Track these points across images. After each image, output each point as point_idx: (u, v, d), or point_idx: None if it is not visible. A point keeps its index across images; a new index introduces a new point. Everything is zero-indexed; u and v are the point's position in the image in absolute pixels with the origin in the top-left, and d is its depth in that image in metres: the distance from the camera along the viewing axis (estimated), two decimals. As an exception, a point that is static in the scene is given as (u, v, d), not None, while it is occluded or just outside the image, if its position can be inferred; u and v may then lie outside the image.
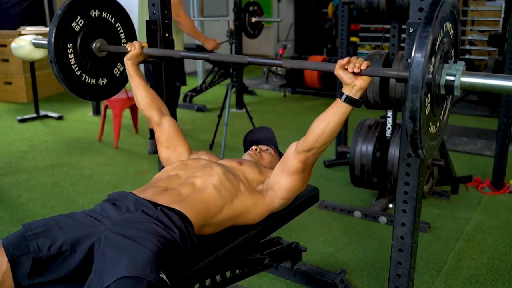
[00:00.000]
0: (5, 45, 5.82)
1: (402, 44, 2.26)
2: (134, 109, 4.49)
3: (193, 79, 7.64)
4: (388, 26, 3.10)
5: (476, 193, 3.20)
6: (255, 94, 6.79)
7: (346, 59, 1.33)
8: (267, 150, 1.83)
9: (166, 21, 1.91)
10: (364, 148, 2.78)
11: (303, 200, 1.79)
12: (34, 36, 5.01)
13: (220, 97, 5.03)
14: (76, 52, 1.82)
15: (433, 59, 1.10)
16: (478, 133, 4.61)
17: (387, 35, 4.56)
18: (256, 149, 1.81)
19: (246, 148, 1.93)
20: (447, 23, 1.18)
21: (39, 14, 8.23)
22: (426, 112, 1.12)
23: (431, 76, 1.11)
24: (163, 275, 1.16)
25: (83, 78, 1.86)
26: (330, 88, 6.06)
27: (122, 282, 1.10)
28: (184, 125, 4.95)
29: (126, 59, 1.80)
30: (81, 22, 1.82)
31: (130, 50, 1.79)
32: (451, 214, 2.88)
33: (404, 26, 2.23)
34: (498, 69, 4.77)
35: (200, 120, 5.28)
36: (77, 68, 1.84)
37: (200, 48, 6.03)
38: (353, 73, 1.32)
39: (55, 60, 1.74)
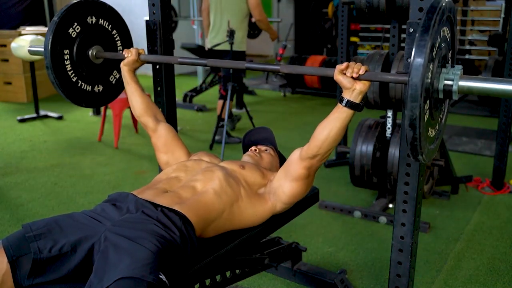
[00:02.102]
0: (5, 45, 5.82)
1: (402, 44, 2.26)
2: (134, 109, 4.48)
3: (193, 79, 7.65)
4: (388, 26, 3.10)
5: (476, 193, 3.20)
6: (255, 94, 6.80)
7: (344, 64, 1.33)
8: (266, 150, 1.83)
9: (166, 21, 1.91)
10: (364, 148, 2.78)
11: (303, 200, 1.79)
12: (33, 37, 5.02)
13: (220, 97, 5.02)
14: (73, 58, 1.82)
15: (431, 65, 1.11)
16: (478, 133, 4.61)
17: (387, 35, 4.56)
18: (255, 150, 1.81)
19: (245, 149, 1.92)
20: (444, 28, 1.18)
21: (39, 14, 8.23)
22: (425, 119, 1.13)
23: (429, 81, 1.11)
24: (162, 276, 1.16)
25: (79, 85, 1.86)
26: (330, 88, 6.07)
27: (121, 283, 1.10)
28: (184, 125, 4.95)
29: (122, 64, 1.81)
30: (78, 29, 1.81)
31: (127, 57, 1.79)
32: (451, 214, 2.88)
33: (404, 26, 2.24)
34: (498, 69, 4.77)
35: (200, 120, 5.28)
36: (73, 74, 1.83)
37: (200, 49, 6.03)
38: (352, 77, 1.32)
39: (51, 66, 1.74)
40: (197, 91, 6.12)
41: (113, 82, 2.00)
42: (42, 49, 1.77)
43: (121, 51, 1.98)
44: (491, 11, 6.98)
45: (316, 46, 9.52)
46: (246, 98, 5.96)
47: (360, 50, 7.73)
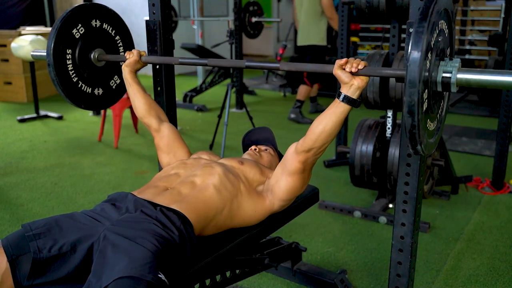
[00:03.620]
0: (5, 45, 5.83)
1: (402, 44, 2.26)
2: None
3: (193, 79, 7.65)
4: (388, 26, 3.10)
5: (476, 193, 3.20)
6: (255, 94, 6.80)
7: (344, 60, 1.35)
8: (266, 150, 1.83)
9: (166, 21, 1.91)
10: (364, 148, 2.78)
11: (303, 200, 1.79)
12: (33, 37, 5.02)
13: (220, 97, 5.03)
14: (75, 58, 1.82)
15: (429, 55, 1.12)
16: (478, 133, 4.61)
17: (387, 35, 4.56)
18: (255, 149, 1.81)
19: (245, 148, 1.93)
20: (442, 21, 1.19)
21: (39, 14, 8.23)
22: (424, 107, 1.13)
23: (427, 73, 1.12)
24: (161, 275, 1.16)
25: (79, 85, 1.86)
26: (330, 88, 6.07)
27: (120, 282, 1.10)
28: (184, 125, 4.95)
29: (124, 66, 1.81)
30: (81, 30, 1.82)
31: (129, 58, 1.80)
32: (451, 214, 2.88)
33: (404, 26, 2.24)
34: (498, 69, 4.77)
35: (200, 120, 5.28)
36: (74, 74, 1.83)
37: (200, 49, 6.03)
38: (351, 73, 1.34)
39: (53, 63, 1.74)
40: (197, 91, 6.12)
41: (114, 87, 2.00)
42: (45, 53, 1.78)
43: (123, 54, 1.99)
44: (491, 11, 6.98)
45: (316, 46, 9.49)
46: (246, 98, 5.97)
47: (360, 50, 7.73)
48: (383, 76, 1.36)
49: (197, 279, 1.46)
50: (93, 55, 1.87)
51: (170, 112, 2.00)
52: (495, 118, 3.99)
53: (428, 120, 1.20)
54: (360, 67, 1.33)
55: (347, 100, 1.35)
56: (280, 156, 1.87)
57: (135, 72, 1.83)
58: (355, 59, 1.35)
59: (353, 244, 2.53)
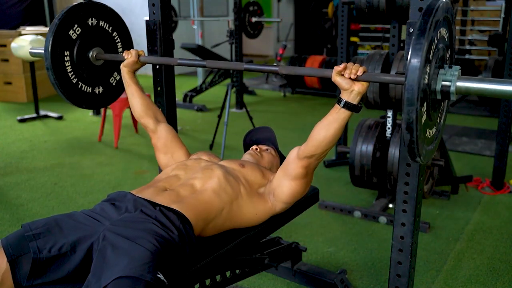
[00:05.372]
0: (5, 45, 5.83)
1: (402, 44, 2.26)
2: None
3: (193, 79, 7.65)
4: (388, 26, 3.11)
5: (476, 193, 3.20)
6: (255, 94, 6.80)
7: (342, 65, 1.32)
8: (267, 150, 1.83)
9: (166, 21, 1.91)
10: (364, 148, 2.78)
11: (303, 200, 1.79)
12: (33, 37, 5.01)
13: (220, 97, 5.03)
14: (73, 60, 1.82)
15: (428, 67, 1.09)
16: (478, 133, 4.61)
17: (387, 35, 4.58)
18: (256, 149, 1.81)
19: (246, 148, 1.93)
20: (442, 29, 1.16)
21: (39, 14, 8.23)
22: (423, 121, 1.11)
23: (426, 82, 1.10)
24: (160, 275, 1.16)
25: (79, 86, 1.85)
26: (330, 88, 6.07)
27: (119, 282, 1.10)
28: (184, 125, 4.95)
29: (122, 66, 1.81)
30: (78, 30, 1.81)
31: (127, 58, 1.79)
32: (451, 214, 2.88)
33: (404, 26, 2.23)
34: (498, 69, 4.77)
35: (200, 120, 5.28)
36: (74, 76, 1.83)
37: (200, 49, 6.03)
38: (350, 78, 1.31)
39: (52, 67, 1.73)
40: (197, 91, 6.12)
41: (114, 84, 1.99)
42: (43, 51, 1.77)
43: (121, 53, 1.98)
44: (491, 11, 6.98)
45: (316, 46, 9.52)
46: (246, 98, 5.97)
47: (360, 50, 7.73)
48: (382, 82, 1.33)
49: (197, 279, 1.46)
50: (91, 54, 1.87)
51: (170, 112, 2.00)
52: (495, 118, 4.00)
53: (427, 129, 1.18)
54: (359, 73, 1.29)
55: (348, 106, 1.33)
56: (281, 157, 1.87)
57: (133, 72, 1.82)
58: (354, 64, 1.31)
59: (353, 244, 2.53)
